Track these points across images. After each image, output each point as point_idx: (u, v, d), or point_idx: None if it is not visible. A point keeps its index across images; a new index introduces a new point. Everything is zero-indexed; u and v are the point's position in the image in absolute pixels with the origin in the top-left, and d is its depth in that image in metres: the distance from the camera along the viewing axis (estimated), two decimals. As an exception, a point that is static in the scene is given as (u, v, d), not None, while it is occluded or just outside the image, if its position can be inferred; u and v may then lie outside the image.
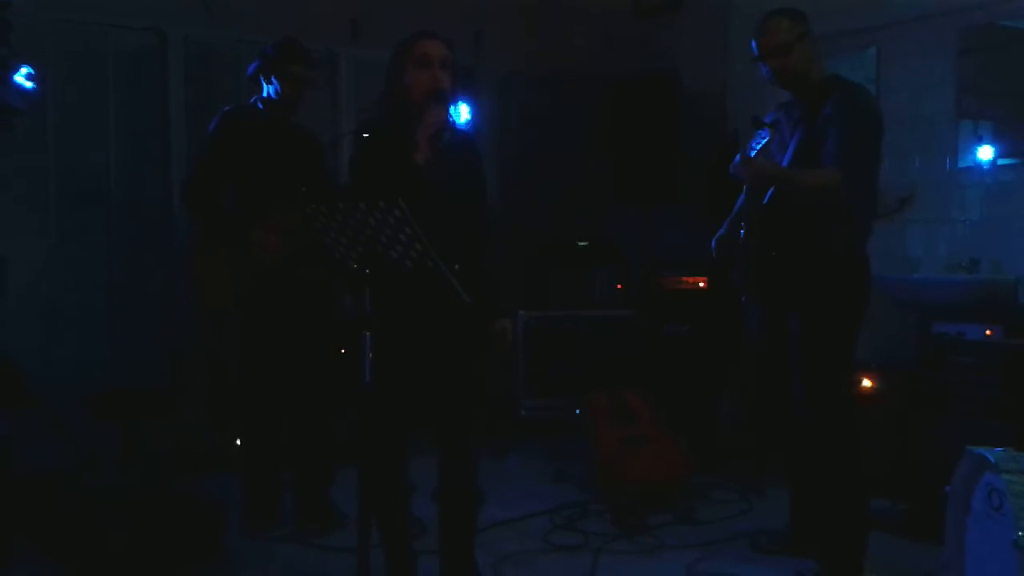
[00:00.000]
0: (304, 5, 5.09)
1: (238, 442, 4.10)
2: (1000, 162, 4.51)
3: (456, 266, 2.74)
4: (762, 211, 3.35)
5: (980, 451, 2.63)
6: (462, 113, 2.94)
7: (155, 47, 4.93)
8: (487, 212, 3.08)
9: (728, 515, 4.05)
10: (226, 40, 5.06)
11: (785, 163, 3.39)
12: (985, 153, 4.53)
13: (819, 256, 3.28)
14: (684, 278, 5.13)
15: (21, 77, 3.80)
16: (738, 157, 3.30)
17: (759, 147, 3.28)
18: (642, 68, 5.65)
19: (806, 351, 3.30)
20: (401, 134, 2.86)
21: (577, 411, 4.55)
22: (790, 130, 3.42)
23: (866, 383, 4.10)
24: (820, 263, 3.28)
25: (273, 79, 3.79)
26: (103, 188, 4.83)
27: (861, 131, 3.23)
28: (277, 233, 3.67)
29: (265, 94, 3.84)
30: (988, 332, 3.77)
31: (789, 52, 3.31)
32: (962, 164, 4.58)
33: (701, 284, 5.09)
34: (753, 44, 3.39)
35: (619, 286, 5.33)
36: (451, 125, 2.92)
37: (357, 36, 5.42)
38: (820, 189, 3.22)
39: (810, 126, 3.31)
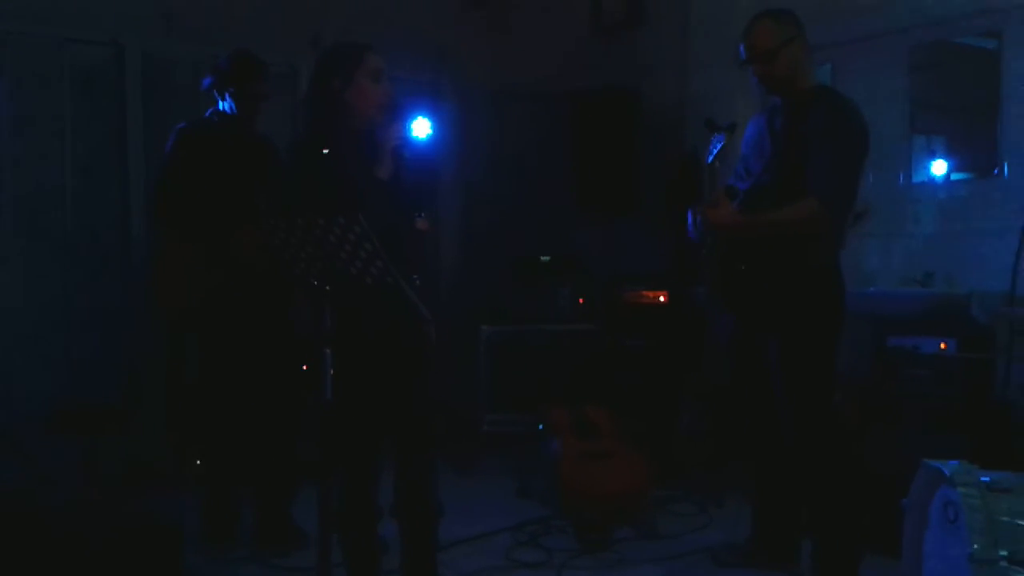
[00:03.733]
0: (265, 19, 5.05)
1: (198, 461, 4.04)
2: (953, 177, 4.59)
3: (416, 280, 2.73)
4: None
5: (936, 464, 2.66)
6: (422, 128, 2.95)
7: (112, 61, 4.86)
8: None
9: (689, 528, 4.07)
10: (185, 54, 5.00)
11: (759, 170, 3.30)
12: (939, 168, 4.61)
13: (793, 271, 3.20)
14: (645, 292, 5.17)
15: (-25, 92, 3.71)
16: (695, 218, 3.25)
17: (716, 152, 3.20)
18: (603, 83, 5.70)
19: (788, 374, 3.23)
20: (355, 149, 2.83)
21: (539, 426, 4.55)
22: (771, 138, 3.31)
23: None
24: (794, 279, 3.21)
25: (227, 95, 3.75)
26: (59, 205, 4.74)
27: (845, 152, 3.14)
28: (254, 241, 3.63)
29: (221, 108, 3.80)
30: (942, 345, 3.82)
31: (775, 58, 3.19)
32: (916, 179, 4.65)
33: (661, 299, 5.12)
34: (740, 47, 3.27)
35: (581, 300, 5.34)
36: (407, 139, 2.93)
37: (318, 51, 5.39)
38: (798, 226, 3.15)
39: (790, 137, 3.21)
